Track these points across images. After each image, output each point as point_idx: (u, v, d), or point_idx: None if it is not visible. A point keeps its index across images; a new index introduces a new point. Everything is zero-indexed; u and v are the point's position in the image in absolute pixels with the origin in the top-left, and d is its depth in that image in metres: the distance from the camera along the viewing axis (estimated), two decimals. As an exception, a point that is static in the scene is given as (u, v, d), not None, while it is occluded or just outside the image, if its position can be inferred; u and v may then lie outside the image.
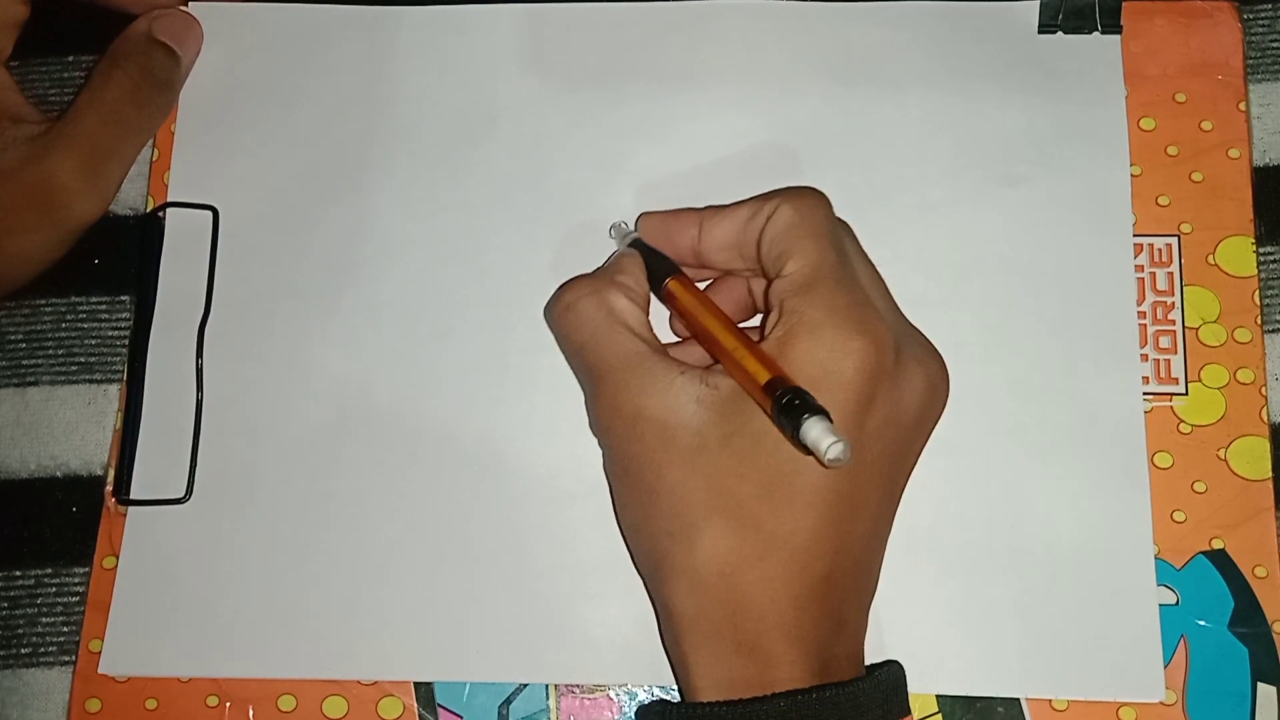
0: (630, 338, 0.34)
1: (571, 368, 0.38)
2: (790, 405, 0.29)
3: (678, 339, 0.39)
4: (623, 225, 0.40)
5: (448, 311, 0.41)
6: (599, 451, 0.39)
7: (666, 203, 0.40)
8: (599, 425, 0.35)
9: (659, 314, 0.38)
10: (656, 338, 0.35)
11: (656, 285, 0.37)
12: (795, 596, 0.32)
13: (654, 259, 0.37)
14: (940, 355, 0.35)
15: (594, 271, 0.38)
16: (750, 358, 0.32)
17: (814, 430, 0.28)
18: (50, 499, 0.40)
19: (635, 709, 0.37)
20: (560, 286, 0.37)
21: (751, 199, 0.36)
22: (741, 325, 0.36)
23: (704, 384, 0.33)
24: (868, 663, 0.34)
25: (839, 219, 0.36)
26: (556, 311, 0.36)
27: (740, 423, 0.32)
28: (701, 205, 0.39)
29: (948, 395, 0.36)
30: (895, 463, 0.34)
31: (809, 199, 0.35)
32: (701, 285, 0.38)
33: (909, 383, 0.33)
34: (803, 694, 0.31)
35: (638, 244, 0.38)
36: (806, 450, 0.29)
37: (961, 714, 0.37)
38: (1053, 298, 0.40)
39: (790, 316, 0.33)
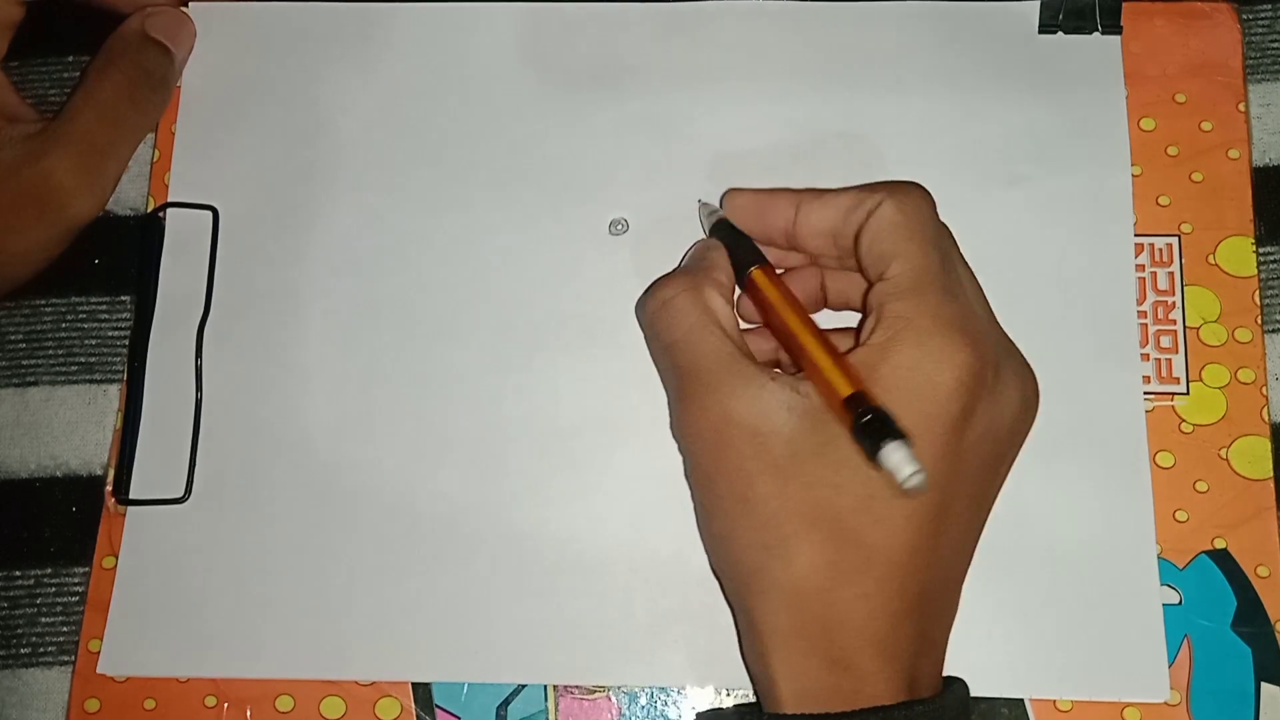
0: (723, 338, 0.33)
1: (657, 365, 0.37)
2: (869, 425, 0.29)
3: (746, 325, 0.38)
4: (700, 202, 0.39)
5: (447, 311, 0.41)
6: (597, 451, 0.39)
7: (666, 202, 0.40)
8: (684, 429, 0.34)
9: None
10: (745, 341, 0.34)
11: (740, 272, 0.36)
12: (893, 613, 0.31)
13: (738, 243, 0.36)
14: (1033, 372, 0.35)
15: (687, 267, 0.37)
16: (834, 368, 0.31)
17: (894, 456, 0.28)
18: (50, 499, 0.40)
19: (695, 714, 0.37)
20: (655, 282, 0.36)
21: (854, 188, 0.35)
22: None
23: (795, 391, 0.32)
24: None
25: (942, 223, 0.35)
26: (652, 307, 0.35)
27: (834, 432, 0.31)
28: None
29: (1037, 412, 0.35)
30: (989, 477, 0.33)
31: (914, 197, 0.34)
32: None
33: (1006, 397, 0.33)
34: (889, 710, 0.30)
35: (722, 226, 0.37)
36: (879, 469, 0.28)
37: (963, 714, 0.37)
38: (1053, 298, 0.40)
39: (895, 322, 0.32)
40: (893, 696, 0.31)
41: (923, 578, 0.32)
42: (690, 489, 0.36)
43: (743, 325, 0.38)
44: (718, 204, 0.38)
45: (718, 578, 0.36)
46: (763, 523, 0.32)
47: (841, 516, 0.31)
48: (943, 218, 0.40)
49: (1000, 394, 0.32)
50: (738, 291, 0.37)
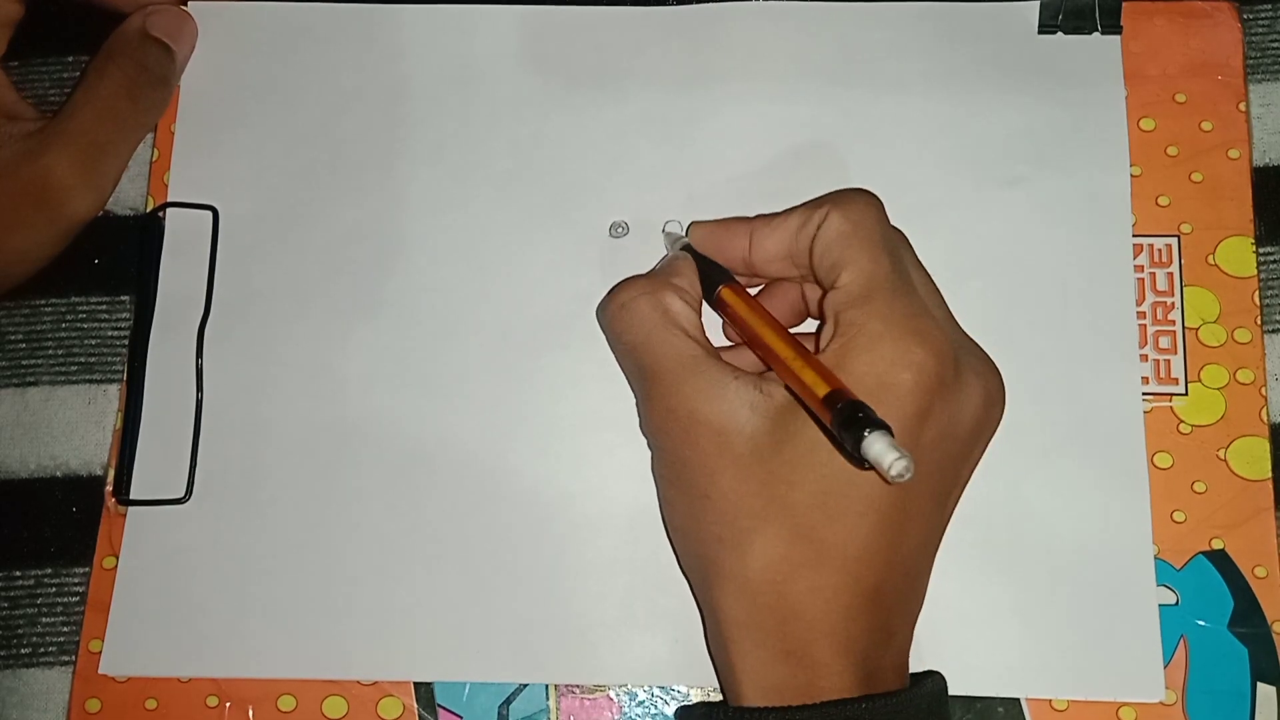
0: (685, 340, 0.34)
1: (622, 368, 0.38)
2: (851, 419, 0.29)
3: (729, 343, 0.39)
4: (676, 225, 0.40)
5: (447, 311, 0.41)
6: (597, 451, 0.39)
7: (667, 206, 0.40)
8: (651, 427, 0.35)
9: (709, 319, 0.38)
10: (709, 341, 0.35)
11: (709, 292, 0.36)
12: (845, 606, 0.31)
13: (707, 265, 0.37)
14: (997, 368, 0.35)
15: (648, 273, 0.38)
16: (808, 369, 0.31)
17: (876, 445, 0.28)
18: (50, 499, 0.40)
19: (675, 710, 0.37)
20: (615, 286, 0.36)
21: (801, 206, 0.35)
22: (794, 330, 0.36)
23: (759, 390, 0.33)
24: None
25: (893, 227, 0.35)
26: (611, 310, 0.36)
27: (794, 430, 0.32)
28: (703, 204, 0.39)
29: (1004, 409, 0.35)
30: (949, 475, 0.34)
31: (858, 205, 0.34)
32: (754, 289, 0.38)
33: (967, 395, 0.33)
34: (850, 704, 0.31)
35: (689, 250, 0.38)
36: (864, 465, 0.28)
37: (961, 714, 0.37)
38: (1053, 298, 0.40)
39: (848, 329, 0.32)
40: (848, 689, 0.31)
41: (879, 573, 0.32)
42: (656, 483, 0.37)
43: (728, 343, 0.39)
44: (675, 231, 0.39)
45: (684, 574, 0.37)
46: (721, 517, 0.32)
47: (797, 512, 0.32)
48: (942, 218, 0.40)
49: (960, 392, 0.33)
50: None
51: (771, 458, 0.32)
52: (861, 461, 0.28)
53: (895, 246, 0.34)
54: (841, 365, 0.32)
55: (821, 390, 0.30)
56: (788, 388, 0.33)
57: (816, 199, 0.35)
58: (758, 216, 0.37)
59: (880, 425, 0.28)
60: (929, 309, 0.33)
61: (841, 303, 0.33)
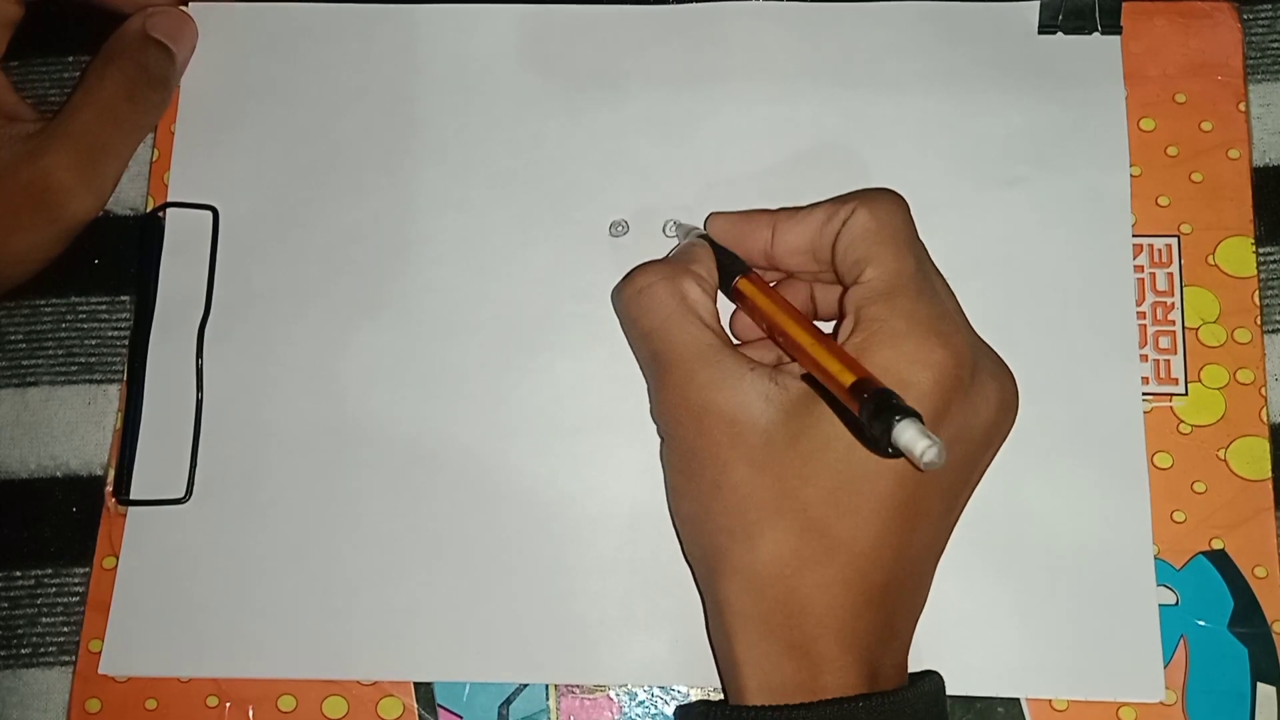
0: (702, 328, 0.34)
1: (635, 353, 0.38)
2: (882, 406, 0.28)
3: (737, 341, 0.39)
4: (674, 225, 0.40)
5: (447, 311, 0.41)
6: (597, 452, 0.39)
7: (666, 205, 0.40)
8: (663, 415, 0.35)
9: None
10: (725, 331, 0.35)
11: (726, 282, 0.36)
12: (852, 603, 0.32)
13: (724, 256, 0.37)
14: (1012, 375, 0.35)
15: (666, 258, 0.38)
16: (833, 359, 0.31)
17: (908, 432, 0.27)
18: (50, 499, 0.40)
19: (674, 709, 0.37)
20: (633, 270, 0.36)
21: (827, 201, 0.35)
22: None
23: (774, 382, 0.33)
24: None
25: (914, 226, 0.35)
26: (627, 294, 0.36)
27: (808, 424, 0.32)
28: (704, 203, 0.39)
29: (1017, 416, 0.35)
30: (961, 477, 0.34)
31: (886, 203, 0.34)
32: None
33: (982, 398, 0.33)
34: (848, 703, 0.31)
35: (706, 240, 0.38)
36: (889, 453, 0.28)
37: (961, 714, 0.37)
38: (1053, 298, 0.40)
39: (870, 324, 0.32)
40: (852, 685, 0.31)
41: (887, 571, 0.32)
42: (664, 470, 0.37)
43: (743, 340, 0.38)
44: (688, 223, 0.39)
45: (689, 564, 0.36)
46: (731, 508, 0.32)
47: (808, 506, 0.32)
48: (942, 218, 0.40)
49: (976, 395, 0.33)
50: (732, 309, 0.37)
51: (785, 451, 0.32)
52: (887, 450, 0.28)
53: (919, 248, 0.35)
54: (861, 359, 0.32)
55: (848, 379, 0.30)
56: (807, 378, 0.33)
57: (843, 195, 0.36)
58: (780, 209, 0.37)
59: (911, 412, 0.28)
60: (950, 312, 0.33)
61: (864, 298, 0.33)
